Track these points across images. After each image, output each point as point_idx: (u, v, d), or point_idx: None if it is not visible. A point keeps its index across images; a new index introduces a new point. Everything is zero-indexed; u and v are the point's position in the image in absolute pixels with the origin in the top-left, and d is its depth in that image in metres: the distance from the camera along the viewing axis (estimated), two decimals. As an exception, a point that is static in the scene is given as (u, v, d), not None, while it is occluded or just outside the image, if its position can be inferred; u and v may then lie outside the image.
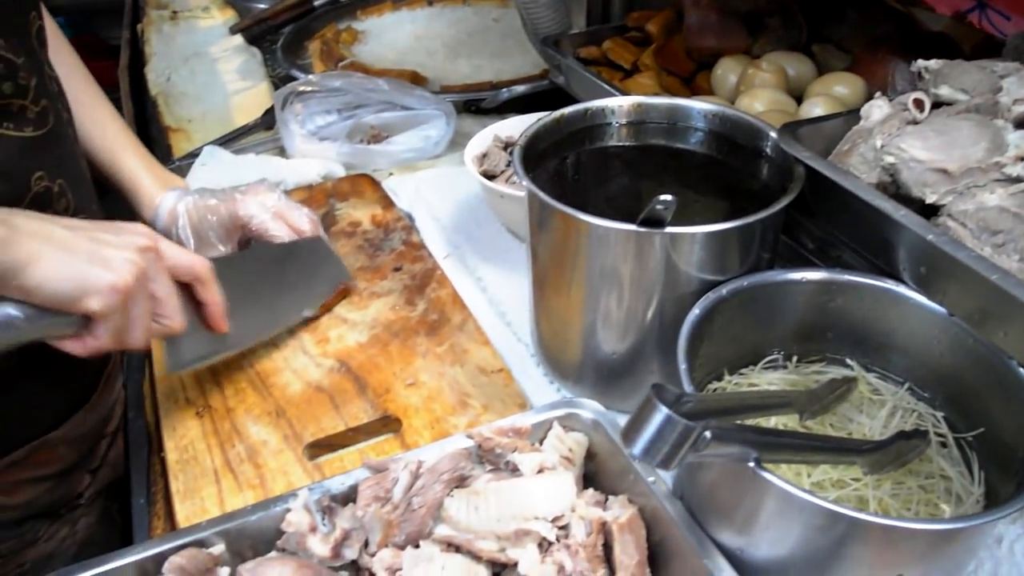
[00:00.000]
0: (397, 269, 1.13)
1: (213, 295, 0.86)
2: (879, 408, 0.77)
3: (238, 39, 1.98)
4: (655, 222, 0.72)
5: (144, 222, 1.02)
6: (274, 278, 1.01)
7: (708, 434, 0.51)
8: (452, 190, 1.31)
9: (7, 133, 0.78)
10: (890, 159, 0.75)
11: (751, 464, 0.57)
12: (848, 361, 0.82)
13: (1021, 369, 0.67)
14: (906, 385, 0.79)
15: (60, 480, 0.94)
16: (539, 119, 0.91)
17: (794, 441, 0.61)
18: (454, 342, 1.00)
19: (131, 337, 0.76)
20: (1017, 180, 0.71)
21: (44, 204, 0.82)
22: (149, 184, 1.01)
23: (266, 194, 1.01)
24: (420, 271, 1.12)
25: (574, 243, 0.80)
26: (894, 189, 0.77)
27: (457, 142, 1.44)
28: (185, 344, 0.89)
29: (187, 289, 0.85)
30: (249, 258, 1.03)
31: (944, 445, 0.74)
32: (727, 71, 1.19)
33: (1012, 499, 0.57)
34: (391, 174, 1.41)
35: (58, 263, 0.69)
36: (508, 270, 1.14)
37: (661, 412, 0.50)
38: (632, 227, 0.74)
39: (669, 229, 0.73)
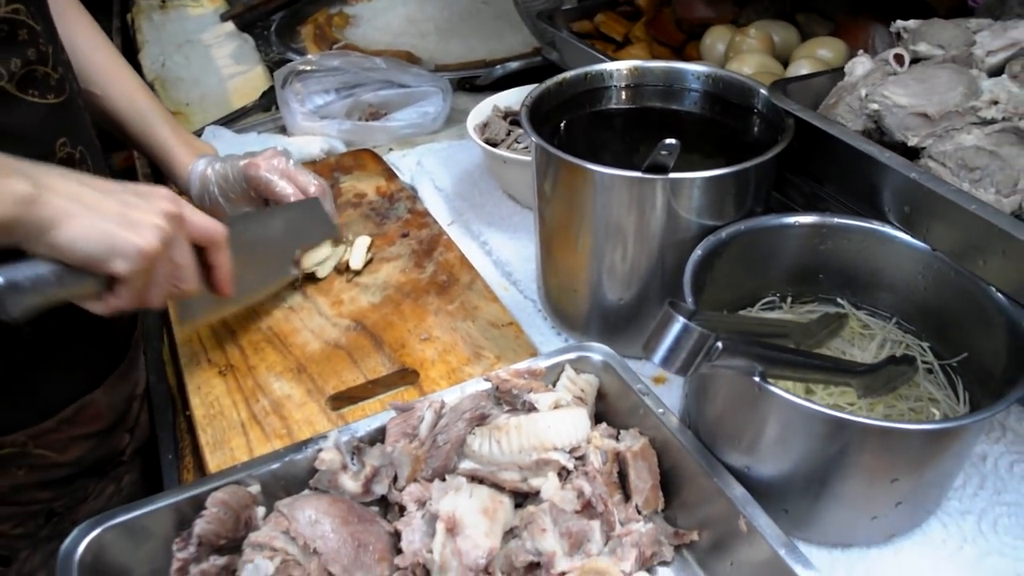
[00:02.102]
0: (404, 235, 1.17)
1: (224, 260, 0.88)
2: (869, 341, 0.83)
3: (229, 26, 2.02)
4: (659, 168, 0.77)
5: (178, 189, 1.07)
6: (270, 238, 1.05)
7: (720, 344, 0.56)
8: (453, 162, 1.35)
9: (33, 99, 0.80)
10: (874, 106, 0.80)
11: (756, 378, 0.62)
12: (839, 300, 0.87)
13: (998, 295, 0.72)
14: (894, 320, 0.85)
15: (103, 438, 0.98)
16: (542, 83, 0.96)
17: (795, 358, 0.66)
18: (464, 300, 1.04)
19: (150, 298, 0.78)
20: (991, 122, 0.76)
21: None
22: (181, 152, 1.06)
23: (277, 157, 1.07)
24: (427, 236, 1.17)
25: (580, 194, 0.85)
26: (878, 136, 0.83)
27: (454, 118, 1.49)
28: (195, 301, 0.92)
29: (199, 252, 0.86)
30: (250, 219, 1.06)
31: (931, 372, 0.80)
32: (716, 40, 1.24)
33: (992, 405, 0.63)
34: (391, 150, 1.45)
35: (88, 223, 0.70)
36: (511, 233, 1.18)
37: (679, 321, 0.55)
38: (636, 174, 0.78)
39: (670, 175, 0.78)
